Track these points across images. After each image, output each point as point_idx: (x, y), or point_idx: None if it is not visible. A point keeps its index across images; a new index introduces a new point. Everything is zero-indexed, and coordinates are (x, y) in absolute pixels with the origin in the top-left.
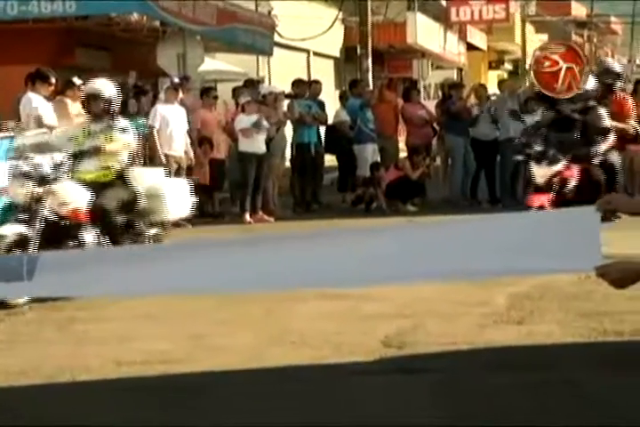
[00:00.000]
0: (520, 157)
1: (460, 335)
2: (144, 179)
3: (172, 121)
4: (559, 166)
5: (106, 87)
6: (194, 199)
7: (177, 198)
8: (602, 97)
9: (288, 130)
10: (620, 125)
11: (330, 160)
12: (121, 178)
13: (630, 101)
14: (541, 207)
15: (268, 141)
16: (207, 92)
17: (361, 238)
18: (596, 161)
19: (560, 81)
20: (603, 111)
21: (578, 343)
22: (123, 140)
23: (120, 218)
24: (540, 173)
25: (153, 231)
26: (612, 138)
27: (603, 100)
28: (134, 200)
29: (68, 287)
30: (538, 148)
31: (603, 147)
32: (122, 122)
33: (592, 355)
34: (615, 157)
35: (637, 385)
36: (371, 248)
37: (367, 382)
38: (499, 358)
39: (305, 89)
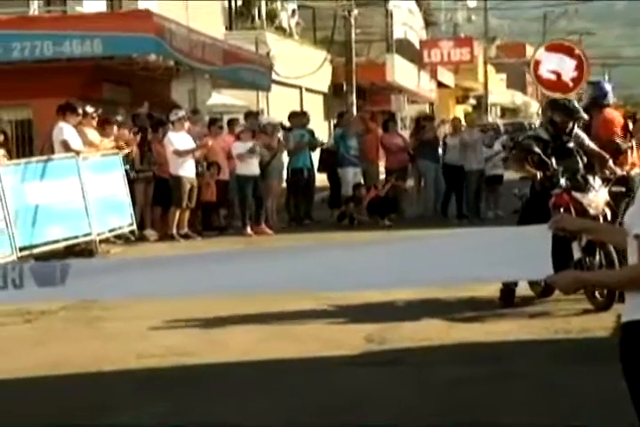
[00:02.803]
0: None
1: (432, 333)
2: None
3: (181, 147)
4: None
5: None
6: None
7: None
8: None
9: (284, 155)
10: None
11: (322, 180)
12: None
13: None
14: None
15: (266, 165)
16: (214, 123)
17: (355, 250)
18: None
19: None
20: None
21: (532, 340)
22: None
23: None
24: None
25: None
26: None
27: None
28: None
29: (96, 291)
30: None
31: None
32: None
33: (545, 350)
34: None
35: (586, 374)
36: (362, 259)
37: (352, 372)
38: (465, 352)
39: (299, 120)
